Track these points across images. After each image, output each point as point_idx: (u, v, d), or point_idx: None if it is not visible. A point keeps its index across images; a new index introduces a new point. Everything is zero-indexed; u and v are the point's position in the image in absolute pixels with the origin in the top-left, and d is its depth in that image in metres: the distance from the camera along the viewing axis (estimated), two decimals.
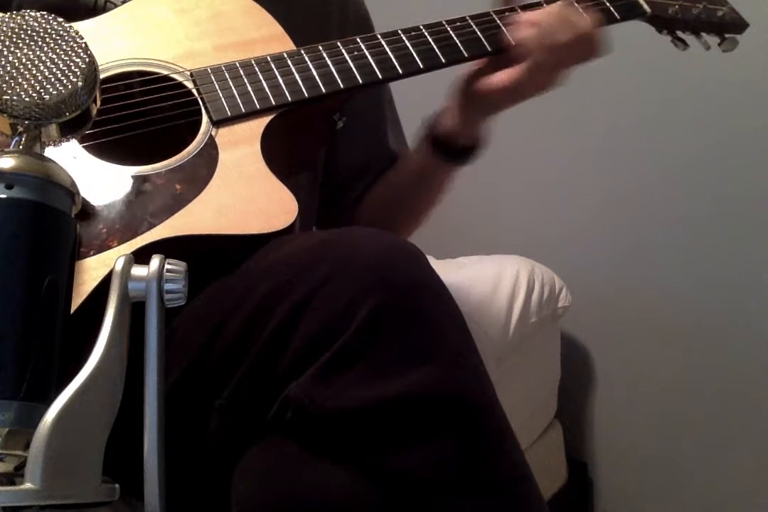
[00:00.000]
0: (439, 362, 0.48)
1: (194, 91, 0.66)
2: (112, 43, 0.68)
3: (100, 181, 0.60)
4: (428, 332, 0.49)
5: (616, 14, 0.78)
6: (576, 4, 0.75)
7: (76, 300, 0.53)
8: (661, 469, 1.33)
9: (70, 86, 0.42)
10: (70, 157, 0.61)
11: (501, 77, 0.72)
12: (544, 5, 0.76)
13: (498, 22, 0.74)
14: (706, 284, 1.24)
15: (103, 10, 0.72)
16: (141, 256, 0.45)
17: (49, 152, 0.52)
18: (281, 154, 0.67)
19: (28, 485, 0.35)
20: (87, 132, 0.61)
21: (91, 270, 0.54)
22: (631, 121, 1.28)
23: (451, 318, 0.51)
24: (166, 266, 0.43)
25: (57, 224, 0.42)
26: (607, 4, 0.78)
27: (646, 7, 0.80)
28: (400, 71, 0.71)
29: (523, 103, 0.75)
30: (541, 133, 1.38)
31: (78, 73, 0.43)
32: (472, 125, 0.78)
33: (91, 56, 0.44)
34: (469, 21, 0.74)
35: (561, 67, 0.73)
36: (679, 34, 0.84)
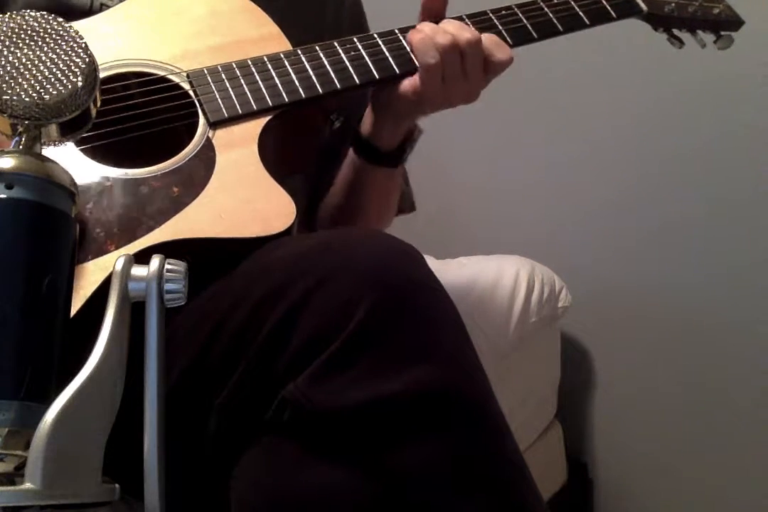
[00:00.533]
0: (435, 361, 0.48)
1: (191, 93, 0.66)
2: (107, 44, 0.67)
3: (97, 184, 0.60)
4: (424, 331, 0.49)
5: (612, 13, 0.78)
6: (467, 21, 0.74)
7: (76, 304, 0.53)
8: (661, 469, 1.33)
9: (70, 86, 0.42)
10: (67, 160, 0.60)
11: (405, 86, 0.71)
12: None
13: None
14: (706, 284, 1.24)
15: (99, 12, 0.72)
16: (140, 260, 0.45)
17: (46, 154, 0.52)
18: (278, 155, 0.67)
19: (28, 485, 0.35)
20: (88, 134, 0.61)
21: (90, 275, 0.54)
22: (631, 122, 1.28)
23: (447, 317, 0.52)
24: (166, 266, 0.43)
25: (57, 224, 0.42)
26: (603, 2, 0.78)
27: (642, 5, 0.80)
28: (397, 71, 0.71)
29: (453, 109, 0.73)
30: (541, 133, 1.39)
31: (78, 73, 0.43)
32: (386, 130, 0.76)
33: (91, 56, 0.44)
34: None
35: (460, 83, 0.70)
36: (675, 32, 0.84)
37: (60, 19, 0.44)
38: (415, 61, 0.70)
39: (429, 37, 0.69)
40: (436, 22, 0.72)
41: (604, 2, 0.78)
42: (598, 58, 1.22)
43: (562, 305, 1.22)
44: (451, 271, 1.14)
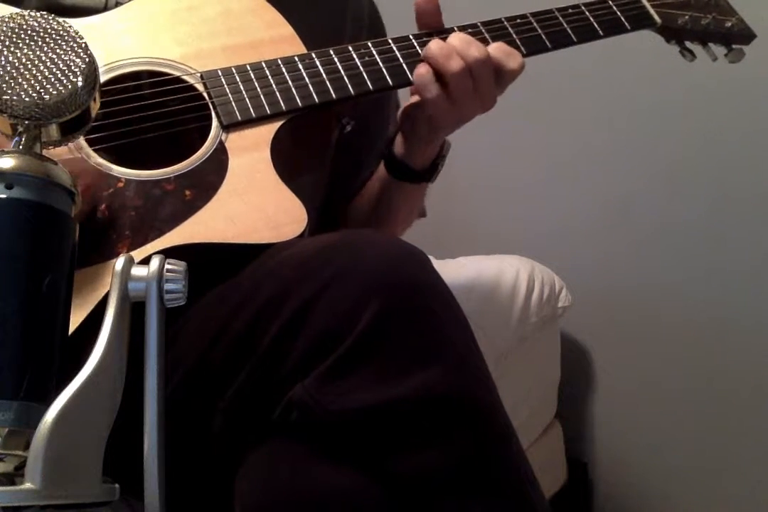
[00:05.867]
0: (443, 364, 0.48)
1: (204, 94, 0.65)
2: (120, 41, 0.67)
3: (110, 185, 0.59)
4: (433, 334, 0.49)
5: (626, 24, 0.78)
6: (481, 30, 0.73)
7: (88, 307, 0.53)
8: (661, 469, 1.33)
9: (70, 86, 0.42)
10: (80, 161, 0.60)
11: (419, 111, 0.72)
12: (455, 29, 0.73)
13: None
14: (706, 284, 1.24)
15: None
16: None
17: (61, 155, 0.52)
18: (288, 156, 0.67)
19: (28, 485, 0.35)
20: (97, 135, 0.61)
21: (102, 277, 0.54)
22: (631, 122, 1.28)
23: (455, 320, 0.52)
24: (166, 266, 0.43)
25: (57, 224, 0.42)
26: (618, 14, 0.78)
27: (656, 17, 0.80)
28: (411, 78, 0.70)
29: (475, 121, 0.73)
30: (541, 133, 1.38)
31: (78, 73, 0.43)
32: (418, 151, 0.77)
33: (90, 56, 0.44)
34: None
35: (471, 101, 0.70)
36: (687, 44, 0.84)
37: (60, 19, 0.44)
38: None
39: (425, 72, 0.68)
40: (444, 32, 0.71)
41: (619, 14, 0.78)
42: (599, 58, 1.22)
43: (562, 305, 1.22)
44: (451, 271, 1.14)
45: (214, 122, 0.64)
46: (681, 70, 1.06)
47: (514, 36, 0.73)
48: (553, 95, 1.34)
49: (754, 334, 1.20)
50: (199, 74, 0.66)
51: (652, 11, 0.80)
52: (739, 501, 1.26)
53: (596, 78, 1.30)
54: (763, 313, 1.19)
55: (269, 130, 0.65)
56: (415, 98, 0.74)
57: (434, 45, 0.70)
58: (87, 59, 0.43)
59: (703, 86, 1.17)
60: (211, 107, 0.65)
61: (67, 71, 0.43)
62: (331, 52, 0.69)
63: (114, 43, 0.66)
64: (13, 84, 0.41)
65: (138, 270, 0.43)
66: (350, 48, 0.70)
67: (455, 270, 1.17)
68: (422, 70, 0.69)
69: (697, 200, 1.23)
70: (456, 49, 0.69)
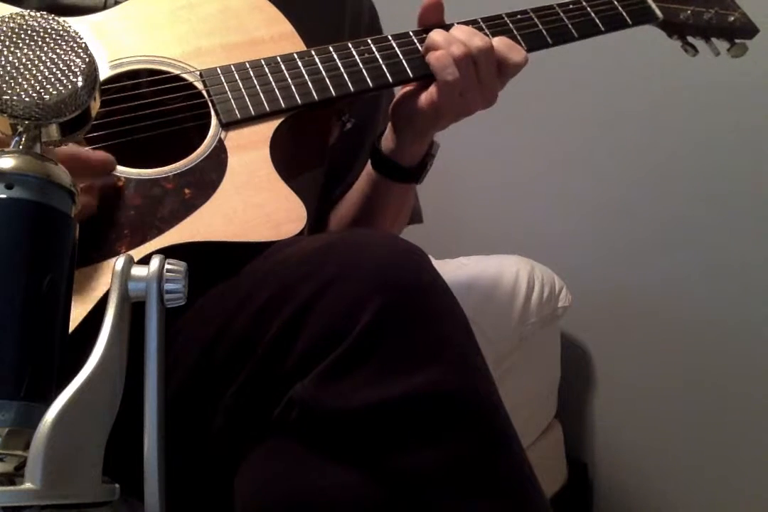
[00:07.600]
0: (443, 363, 0.48)
1: (204, 93, 0.65)
2: (119, 39, 0.67)
3: (109, 183, 0.59)
4: (433, 333, 0.49)
5: (628, 19, 0.78)
6: (481, 26, 0.73)
7: (87, 306, 0.53)
8: (661, 469, 1.33)
9: (70, 86, 0.42)
10: None
11: (422, 101, 0.71)
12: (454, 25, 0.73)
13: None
14: (706, 284, 1.24)
15: None
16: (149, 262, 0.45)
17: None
18: (288, 154, 0.67)
19: (28, 485, 0.35)
20: (96, 133, 0.61)
21: (101, 276, 0.54)
22: (631, 122, 1.28)
23: (455, 319, 0.52)
24: (166, 266, 0.43)
25: (57, 224, 0.42)
26: (620, 9, 0.78)
27: (658, 12, 0.79)
28: (411, 75, 0.70)
29: (468, 118, 0.72)
30: (540, 133, 1.39)
31: (78, 73, 0.43)
32: (408, 147, 0.76)
33: (90, 56, 0.44)
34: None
35: (476, 91, 0.69)
36: (690, 39, 0.84)
37: (60, 19, 0.44)
38: (433, 73, 0.69)
39: (446, 54, 0.68)
40: (445, 28, 0.71)
41: (621, 9, 0.78)
42: (599, 58, 1.22)
43: (562, 305, 1.22)
44: (451, 271, 1.14)
45: (213, 120, 0.64)
46: (683, 66, 1.06)
47: (515, 32, 0.73)
48: (553, 94, 1.34)
49: (754, 334, 1.20)
50: (198, 72, 0.66)
51: (653, 6, 0.80)
52: (740, 501, 1.25)
53: (597, 75, 1.30)
54: (764, 313, 1.19)
55: (269, 128, 0.65)
56: (409, 90, 0.74)
57: (436, 34, 0.70)
58: (87, 59, 0.43)
59: (703, 83, 1.17)
60: (210, 105, 0.65)
61: (67, 71, 0.42)
62: (331, 49, 0.69)
63: (113, 42, 0.66)
64: (13, 84, 0.41)
65: (138, 270, 0.43)
66: (350, 45, 0.70)
67: (455, 271, 1.17)
68: (438, 53, 0.68)
69: (698, 200, 1.23)
70: (459, 38, 0.69)
